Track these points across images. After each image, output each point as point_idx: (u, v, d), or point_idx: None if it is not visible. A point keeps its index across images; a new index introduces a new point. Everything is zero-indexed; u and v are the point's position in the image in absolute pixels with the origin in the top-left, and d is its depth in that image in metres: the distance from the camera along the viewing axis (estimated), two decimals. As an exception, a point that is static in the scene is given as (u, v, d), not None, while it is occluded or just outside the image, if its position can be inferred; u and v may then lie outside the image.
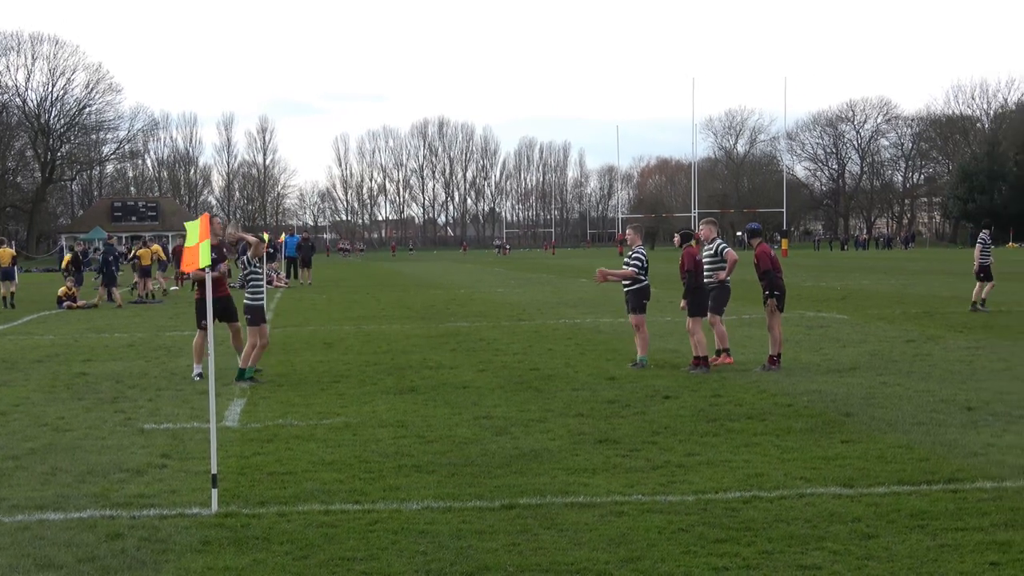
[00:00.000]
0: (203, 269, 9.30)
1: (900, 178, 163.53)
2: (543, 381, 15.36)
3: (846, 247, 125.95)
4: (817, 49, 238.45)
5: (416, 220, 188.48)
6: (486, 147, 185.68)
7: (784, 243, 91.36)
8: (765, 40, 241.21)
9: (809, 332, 21.55)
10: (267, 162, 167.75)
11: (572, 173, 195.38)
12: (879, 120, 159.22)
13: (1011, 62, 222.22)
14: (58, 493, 9.12)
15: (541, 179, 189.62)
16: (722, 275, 16.90)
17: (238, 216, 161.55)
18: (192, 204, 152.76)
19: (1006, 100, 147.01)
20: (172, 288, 42.01)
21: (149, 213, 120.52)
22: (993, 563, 6.94)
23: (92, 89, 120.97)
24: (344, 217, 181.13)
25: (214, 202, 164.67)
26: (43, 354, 19.96)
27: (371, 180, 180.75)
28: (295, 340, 21.66)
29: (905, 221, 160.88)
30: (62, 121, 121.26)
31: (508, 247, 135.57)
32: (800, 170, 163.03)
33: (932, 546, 7.30)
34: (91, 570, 7.09)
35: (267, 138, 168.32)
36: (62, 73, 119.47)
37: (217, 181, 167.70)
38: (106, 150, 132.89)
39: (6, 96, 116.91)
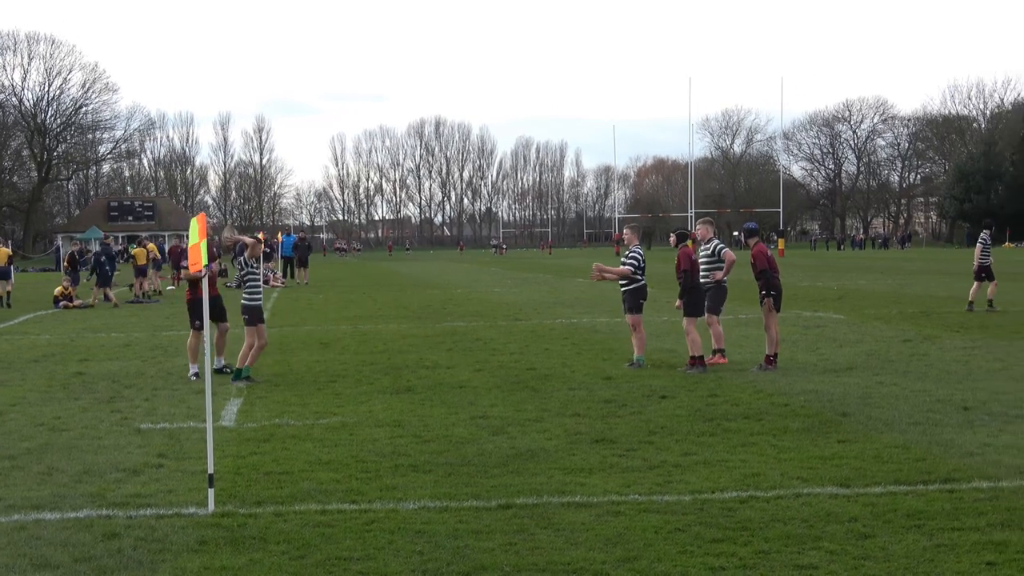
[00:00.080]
0: (200, 269, 9.31)
1: (896, 178, 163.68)
2: (540, 381, 15.36)
3: (842, 247, 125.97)
4: (814, 49, 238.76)
5: (413, 220, 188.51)
6: (483, 147, 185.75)
7: (781, 243, 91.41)
8: (762, 40, 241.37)
9: (806, 332, 21.56)
10: (263, 162, 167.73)
11: (569, 173, 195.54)
12: (875, 120, 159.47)
13: (1007, 62, 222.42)
14: (54, 493, 9.12)
15: (538, 179, 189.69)
16: (719, 275, 16.90)
17: (234, 216, 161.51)
18: (189, 204, 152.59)
19: (1002, 100, 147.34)
20: (168, 288, 41.98)
21: (146, 213, 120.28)
22: (989, 563, 6.95)
23: (88, 89, 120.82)
24: (341, 217, 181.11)
25: (210, 202, 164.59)
26: (39, 354, 19.95)
27: (368, 180, 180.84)
28: (292, 340, 21.66)
29: (901, 221, 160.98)
30: (58, 121, 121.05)
31: (505, 247, 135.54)
32: (797, 170, 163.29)
33: (928, 546, 7.30)
34: (87, 570, 7.08)
35: (263, 138, 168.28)
36: (58, 73, 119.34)
37: (213, 181, 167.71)
38: (102, 150, 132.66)
39: (2, 96, 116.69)
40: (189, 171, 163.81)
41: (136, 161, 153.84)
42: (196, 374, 16.00)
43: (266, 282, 40.35)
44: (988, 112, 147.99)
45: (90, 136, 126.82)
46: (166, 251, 51.84)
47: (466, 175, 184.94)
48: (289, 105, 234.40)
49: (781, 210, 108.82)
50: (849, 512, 8.15)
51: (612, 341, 20.33)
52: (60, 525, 8.13)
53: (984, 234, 27.19)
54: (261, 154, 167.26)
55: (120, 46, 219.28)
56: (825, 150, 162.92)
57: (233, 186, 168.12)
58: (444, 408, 13.15)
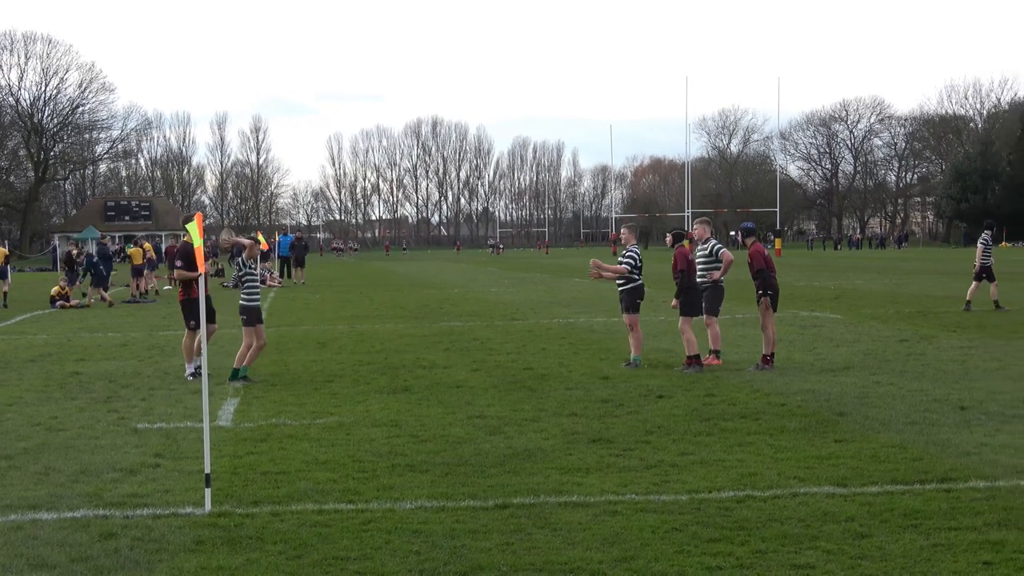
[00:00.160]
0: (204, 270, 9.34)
1: (893, 178, 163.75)
2: (537, 380, 15.36)
3: (839, 247, 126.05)
4: (811, 49, 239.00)
5: (410, 220, 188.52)
6: (480, 147, 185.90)
7: (778, 243, 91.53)
8: (759, 40, 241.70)
9: (803, 332, 21.57)
10: (260, 161, 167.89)
11: (566, 173, 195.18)
12: (872, 120, 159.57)
13: (1004, 62, 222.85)
14: (51, 493, 9.11)
15: (535, 179, 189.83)
16: (716, 275, 16.90)
17: (231, 216, 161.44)
18: (185, 203, 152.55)
19: (999, 100, 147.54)
20: (166, 288, 41.94)
21: (142, 213, 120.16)
22: (986, 562, 6.95)
23: (85, 88, 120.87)
24: (338, 216, 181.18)
25: (207, 201, 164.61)
26: (36, 353, 19.93)
27: (365, 180, 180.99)
28: (288, 340, 21.65)
29: (898, 221, 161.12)
30: (55, 120, 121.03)
31: (502, 247, 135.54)
32: (793, 170, 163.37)
33: (925, 545, 7.30)
34: (84, 570, 7.08)
35: (260, 137, 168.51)
36: (55, 72, 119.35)
37: (210, 180, 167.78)
38: (99, 149, 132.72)
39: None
40: (186, 171, 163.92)
41: (133, 161, 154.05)
42: (193, 374, 16.00)
43: (263, 282, 40.17)
44: (985, 112, 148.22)
45: (87, 136, 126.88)
46: (162, 251, 51.82)
47: (463, 175, 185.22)
48: (286, 105, 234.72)
49: (778, 210, 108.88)
50: (846, 512, 8.15)
51: (609, 341, 20.33)
52: (57, 525, 8.12)
53: (985, 234, 27.16)
54: (258, 154, 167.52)
55: (117, 46, 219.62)
56: (822, 150, 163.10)
57: (230, 186, 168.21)
58: (441, 408, 13.15)
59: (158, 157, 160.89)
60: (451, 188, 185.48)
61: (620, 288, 16.97)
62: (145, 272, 38.89)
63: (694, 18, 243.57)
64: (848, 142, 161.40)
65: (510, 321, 25.44)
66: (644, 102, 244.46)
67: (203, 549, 7.46)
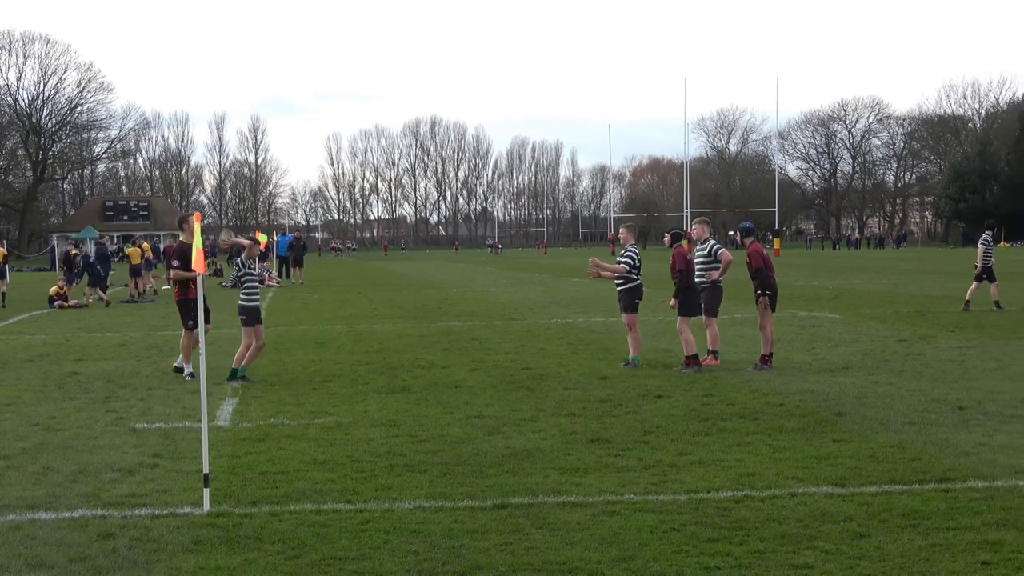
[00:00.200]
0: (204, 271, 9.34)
1: (892, 178, 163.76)
2: (535, 380, 15.36)
3: (838, 246, 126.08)
4: (809, 49, 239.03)
5: (408, 219, 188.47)
6: (478, 146, 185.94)
7: (776, 242, 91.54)
8: (757, 40, 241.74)
9: (801, 331, 21.57)
10: (259, 161, 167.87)
11: (564, 172, 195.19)
12: (871, 120, 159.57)
13: (1003, 62, 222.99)
14: (49, 493, 9.11)
15: (533, 178, 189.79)
16: (715, 275, 16.90)
17: (230, 215, 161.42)
18: (184, 203, 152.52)
19: (998, 100, 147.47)
20: (164, 287, 41.90)
21: (141, 212, 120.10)
22: (985, 562, 6.95)
23: (83, 88, 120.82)
24: (336, 216, 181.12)
25: (206, 201, 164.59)
26: (34, 353, 19.93)
27: (363, 179, 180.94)
28: (287, 339, 21.64)
29: (897, 221, 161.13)
30: (53, 120, 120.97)
31: (500, 246, 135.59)
32: (792, 169, 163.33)
33: (924, 545, 7.31)
34: (83, 570, 7.08)
35: (259, 137, 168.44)
36: (53, 72, 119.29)
37: (209, 180, 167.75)
38: (97, 149, 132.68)
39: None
40: (184, 171, 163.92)
41: (131, 161, 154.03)
42: (191, 374, 15.99)
43: (261, 282, 40.16)
44: (983, 112, 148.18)
45: (85, 136, 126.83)
46: (161, 251, 51.79)
47: (461, 175, 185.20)
48: (284, 104, 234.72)
49: (776, 210, 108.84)
50: (844, 512, 8.15)
51: (607, 341, 20.33)
52: (55, 525, 8.12)
53: (986, 235, 27.14)
54: (256, 154, 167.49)
55: (115, 46, 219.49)
56: (820, 150, 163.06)
57: (228, 186, 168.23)
58: (439, 408, 13.14)
59: (156, 157, 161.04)
60: (449, 188, 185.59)
61: (618, 288, 16.97)
62: (143, 272, 38.87)
63: (693, 18, 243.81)
64: (847, 142, 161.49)
65: (508, 321, 25.44)
66: (643, 102, 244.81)
67: (201, 549, 7.46)
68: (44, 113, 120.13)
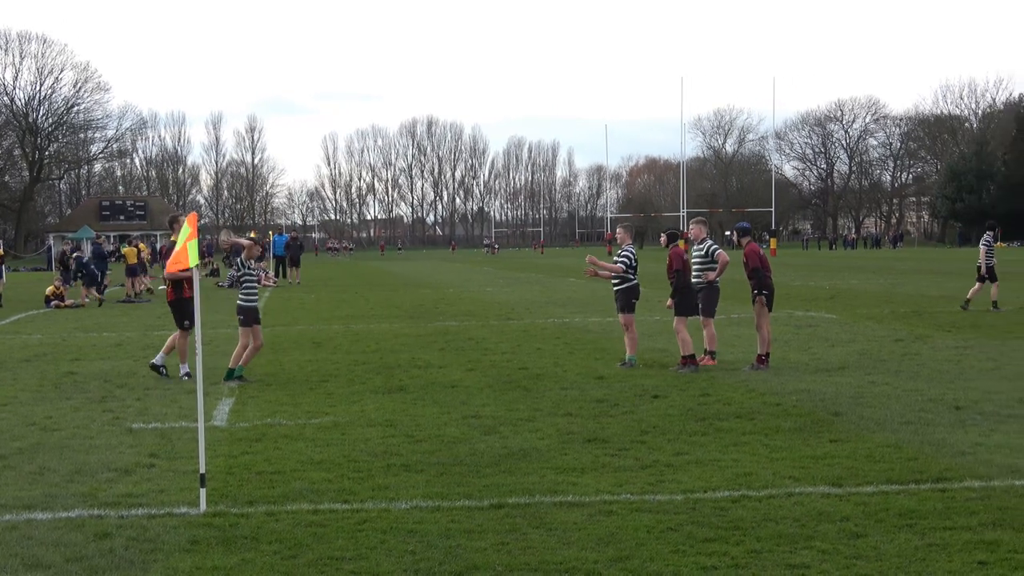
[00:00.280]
0: (188, 269, 9.31)
1: (888, 177, 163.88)
2: (532, 380, 15.36)
3: (834, 246, 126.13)
4: (806, 49, 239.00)
5: (405, 219, 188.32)
6: (475, 146, 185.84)
7: (773, 242, 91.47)
8: (754, 40, 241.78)
9: (798, 331, 21.58)
10: (255, 161, 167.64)
11: (561, 172, 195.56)
12: (868, 120, 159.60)
13: (999, 62, 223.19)
14: (46, 492, 9.10)
15: (530, 178, 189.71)
16: (711, 276, 16.90)
17: (226, 215, 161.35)
18: (180, 203, 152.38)
19: (994, 100, 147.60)
20: (160, 287, 41.88)
21: (137, 212, 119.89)
22: (981, 562, 6.96)
23: (80, 88, 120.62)
24: (333, 216, 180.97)
25: (202, 201, 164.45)
26: (31, 353, 19.91)
27: (360, 179, 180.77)
28: (283, 339, 21.63)
29: (893, 220, 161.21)
30: (50, 120, 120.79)
31: (497, 246, 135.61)
32: (789, 169, 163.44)
33: (920, 545, 7.31)
34: (79, 570, 7.07)
35: (256, 137, 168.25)
36: (50, 72, 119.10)
37: (205, 180, 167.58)
38: (94, 149, 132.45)
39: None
40: (181, 170, 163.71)
41: (128, 160, 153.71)
42: (188, 374, 15.98)
43: (257, 281, 40.16)
44: (980, 112, 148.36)
45: (82, 135, 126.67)
46: (158, 250, 51.72)
47: (458, 175, 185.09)
48: (281, 104, 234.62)
49: (773, 210, 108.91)
50: (841, 511, 8.16)
51: (604, 341, 20.34)
52: (52, 525, 8.11)
53: (987, 235, 27.14)
54: (253, 153, 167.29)
55: (112, 45, 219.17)
56: (817, 150, 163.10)
57: (225, 185, 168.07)
58: (436, 408, 13.14)
59: (153, 157, 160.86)
60: (446, 188, 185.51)
61: (615, 288, 16.98)
62: (139, 272, 38.83)
63: (689, 18, 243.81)
64: (843, 142, 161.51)
65: (505, 321, 25.44)
66: (639, 102, 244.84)
67: (198, 549, 7.46)
68: (40, 113, 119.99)
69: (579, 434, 11.34)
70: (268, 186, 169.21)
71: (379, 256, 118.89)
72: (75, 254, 38.94)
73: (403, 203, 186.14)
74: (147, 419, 12.68)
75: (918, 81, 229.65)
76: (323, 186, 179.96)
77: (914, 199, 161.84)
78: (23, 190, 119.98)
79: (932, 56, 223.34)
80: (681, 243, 17.11)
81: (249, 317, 15.71)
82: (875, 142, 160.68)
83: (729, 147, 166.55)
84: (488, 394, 14.18)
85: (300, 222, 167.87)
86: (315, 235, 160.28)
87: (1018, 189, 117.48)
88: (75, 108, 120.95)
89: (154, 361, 16.57)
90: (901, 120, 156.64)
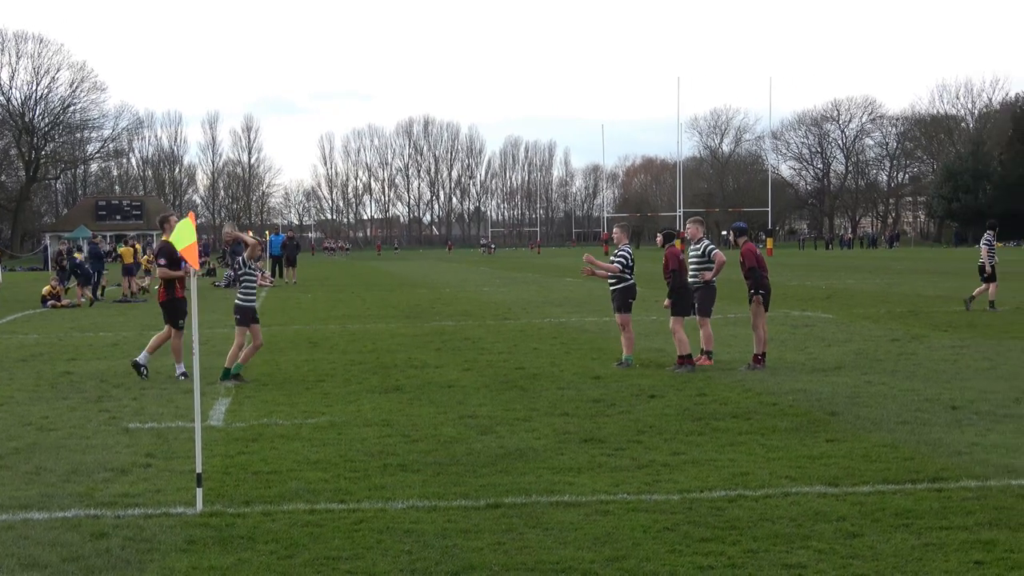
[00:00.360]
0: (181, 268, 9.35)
1: (885, 177, 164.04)
2: (528, 380, 15.36)
3: (831, 246, 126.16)
4: (802, 49, 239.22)
5: (401, 219, 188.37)
6: (471, 146, 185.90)
7: (769, 242, 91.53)
8: (750, 40, 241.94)
9: (794, 331, 21.59)
10: (252, 161, 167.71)
11: (557, 172, 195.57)
12: (864, 119, 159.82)
13: (996, 62, 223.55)
14: (42, 492, 9.09)
15: (526, 178, 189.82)
16: (708, 276, 16.90)
17: (223, 215, 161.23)
18: (177, 203, 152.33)
19: (990, 100, 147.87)
20: (156, 287, 41.86)
21: (134, 212, 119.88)
22: (978, 562, 6.96)
23: (76, 88, 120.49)
24: (329, 216, 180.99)
25: (199, 201, 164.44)
26: (27, 353, 19.89)
27: (356, 179, 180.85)
28: (280, 339, 21.62)
29: (890, 220, 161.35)
30: (46, 120, 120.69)
31: (494, 246, 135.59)
32: (785, 169, 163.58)
33: (917, 545, 7.31)
34: (76, 570, 7.06)
35: (252, 137, 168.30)
36: (46, 71, 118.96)
37: (202, 180, 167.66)
38: (90, 149, 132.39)
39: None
40: (177, 170, 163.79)
41: (124, 160, 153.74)
42: (183, 374, 15.96)
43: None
44: (976, 111, 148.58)
45: (78, 135, 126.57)
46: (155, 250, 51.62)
47: (455, 174, 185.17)
48: (278, 104, 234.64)
49: (770, 209, 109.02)
50: (837, 511, 8.16)
51: (601, 340, 20.34)
52: (48, 525, 8.10)
53: (988, 234, 27.17)
54: (249, 153, 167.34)
55: (108, 45, 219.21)
56: (813, 149, 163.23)
57: (221, 185, 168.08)
58: (433, 407, 13.14)
59: (149, 156, 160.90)
60: (443, 188, 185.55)
61: (612, 287, 16.98)
62: (135, 272, 38.81)
63: (686, 18, 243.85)
64: (840, 142, 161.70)
65: (502, 321, 25.44)
66: (636, 102, 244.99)
67: (194, 549, 7.45)
68: (37, 112, 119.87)
69: (575, 434, 11.34)
70: (264, 186, 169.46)
71: (375, 256, 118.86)
72: (71, 255, 38.86)
73: (399, 203, 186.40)
74: (143, 419, 12.67)
75: (914, 81, 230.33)
76: (319, 186, 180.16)
77: (910, 199, 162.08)
78: (19, 190, 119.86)
79: (928, 56, 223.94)
80: (677, 243, 17.12)
81: (246, 316, 15.69)
82: (871, 142, 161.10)
83: (725, 147, 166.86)
84: (485, 394, 14.18)
85: (296, 222, 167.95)
86: (311, 235, 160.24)
87: (1014, 189, 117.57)
88: (71, 108, 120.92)
89: (137, 359, 16.44)
90: (897, 120, 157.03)
